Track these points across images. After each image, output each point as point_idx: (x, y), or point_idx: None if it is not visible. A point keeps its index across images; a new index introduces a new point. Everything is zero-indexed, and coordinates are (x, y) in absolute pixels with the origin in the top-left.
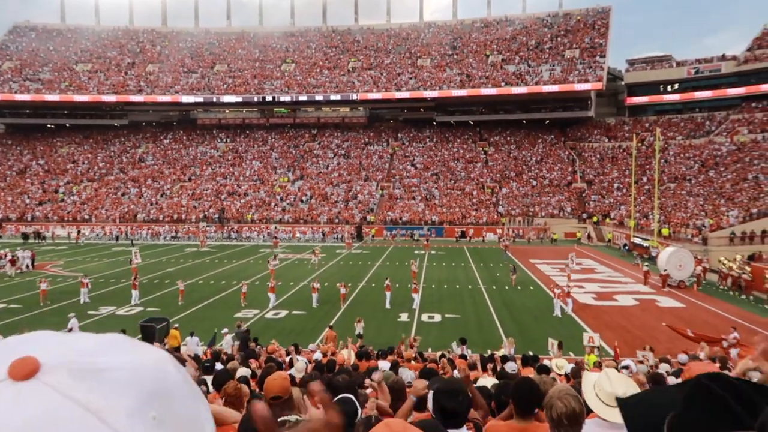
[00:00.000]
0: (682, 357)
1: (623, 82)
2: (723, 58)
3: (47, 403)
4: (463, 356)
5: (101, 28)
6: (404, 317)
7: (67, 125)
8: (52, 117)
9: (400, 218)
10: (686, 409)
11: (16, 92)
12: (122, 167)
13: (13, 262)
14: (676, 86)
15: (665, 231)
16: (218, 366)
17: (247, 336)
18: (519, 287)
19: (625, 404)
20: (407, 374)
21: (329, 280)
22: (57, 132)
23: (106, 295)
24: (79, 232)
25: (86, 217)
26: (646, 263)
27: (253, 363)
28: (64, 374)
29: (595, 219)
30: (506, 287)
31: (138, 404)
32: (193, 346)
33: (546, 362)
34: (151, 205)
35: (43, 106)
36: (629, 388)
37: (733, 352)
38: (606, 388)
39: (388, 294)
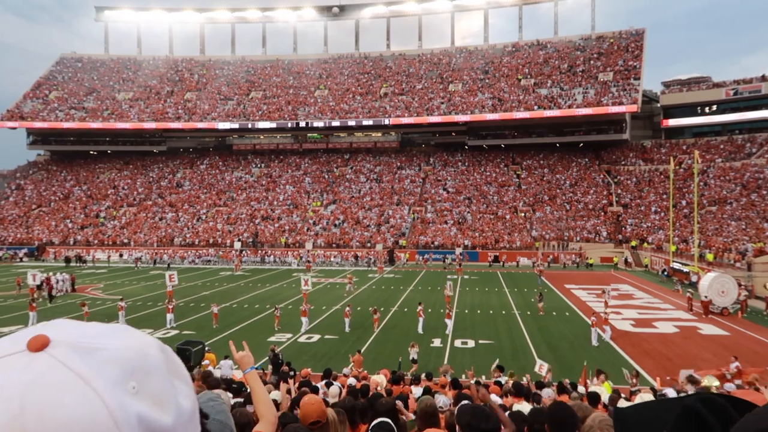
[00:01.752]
0: (729, 386)
1: (659, 104)
2: (763, 78)
3: (49, 369)
4: (498, 383)
5: (142, 58)
6: (437, 342)
7: (109, 152)
8: (95, 144)
9: (433, 242)
10: (676, 430)
11: (61, 120)
12: (160, 192)
13: (49, 285)
14: (714, 108)
15: (710, 256)
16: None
17: (278, 360)
18: (554, 313)
19: (621, 414)
20: (441, 400)
21: (361, 304)
22: (99, 158)
23: (143, 318)
24: (139, 258)
25: (125, 241)
26: (689, 289)
27: (283, 386)
28: (67, 349)
29: (633, 243)
30: (541, 313)
31: (120, 377)
32: (227, 369)
33: (581, 389)
34: (188, 229)
35: (86, 134)
36: None
37: (734, 384)
38: None
39: (420, 319)
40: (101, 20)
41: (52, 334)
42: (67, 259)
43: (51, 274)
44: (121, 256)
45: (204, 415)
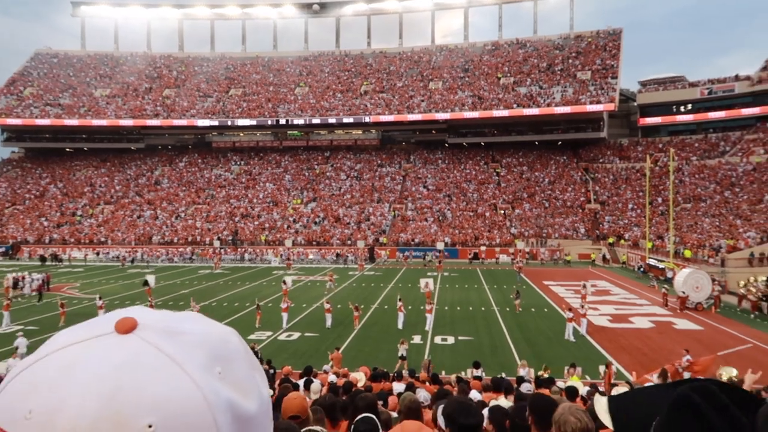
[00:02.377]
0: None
1: (636, 103)
2: (736, 78)
3: (141, 350)
4: (477, 377)
5: (120, 54)
6: (417, 339)
7: (85, 149)
8: (71, 141)
9: (413, 240)
10: (669, 419)
11: (36, 117)
12: (138, 190)
13: (40, 284)
14: (690, 107)
15: (687, 253)
16: None
17: (257, 357)
18: (533, 309)
19: (613, 401)
20: (422, 395)
21: (342, 301)
22: (75, 156)
23: None
24: (132, 261)
25: (102, 239)
26: (664, 285)
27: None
28: (156, 332)
29: (610, 240)
30: (520, 309)
31: (208, 361)
32: None
33: (560, 384)
34: (167, 227)
35: (62, 131)
36: None
37: (686, 375)
38: None
39: (401, 315)
40: (78, 15)
41: (138, 317)
42: (42, 258)
43: (26, 273)
44: (98, 254)
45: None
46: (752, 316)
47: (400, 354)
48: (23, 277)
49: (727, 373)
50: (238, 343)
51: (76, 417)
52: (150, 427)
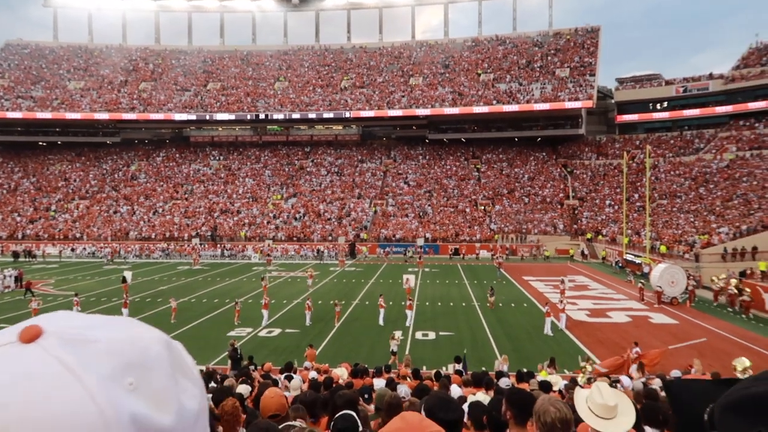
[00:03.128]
0: (675, 372)
1: (613, 101)
2: (711, 76)
3: (38, 362)
4: (458, 372)
5: (94, 46)
6: (398, 335)
7: (59, 143)
8: (44, 135)
9: (394, 235)
10: (736, 411)
11: (7, 110)
12: (114, 185)
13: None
14: (665, 104)
15: (663, 248)
16: (212, 385)
17: (236, 354)
18: (513, 304)
19: (671, 385)
20: (402, 390)
21: (323, 297)
22: (49, 150)
23: (98, 313)
24: (118, 254)
25: (78, 235)
26: (641, 280)
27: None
28: (61, 341)
29: (588, 236)
30: (500, 304)
31: (116, 371)
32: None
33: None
34: (144, 222)
35: (35, 124)
36: (621, 400)
37: (633, 367)
38: (597, 400)
39: (381, 311)
40: (50, 6)
41: (45, 324)
42: (15, 254)
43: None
44: (73, 250)
45: (215, 417)
46: (728, 310)
47: (391, 349)
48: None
49: (741, 364)
50: (161, 350)
51: None
52: None
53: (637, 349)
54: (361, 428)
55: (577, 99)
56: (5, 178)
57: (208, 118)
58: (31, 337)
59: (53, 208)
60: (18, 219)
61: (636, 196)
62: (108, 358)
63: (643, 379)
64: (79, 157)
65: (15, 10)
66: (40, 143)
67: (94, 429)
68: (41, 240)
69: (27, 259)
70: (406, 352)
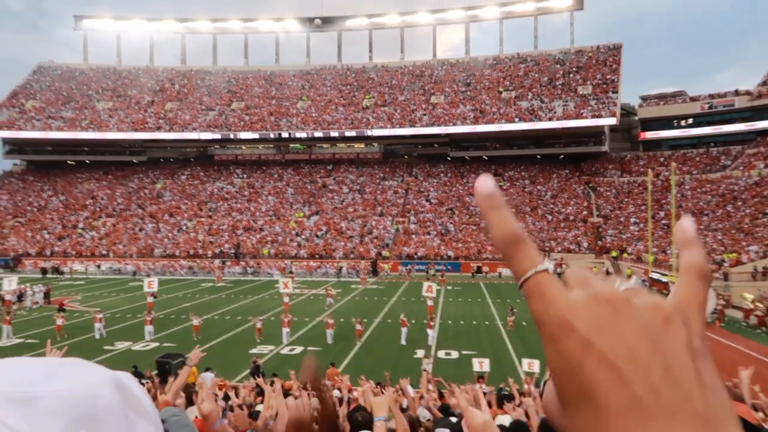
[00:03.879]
0: None
1: (636, 117)
2: (736, 93)
3: None
4: (481, 376)
5: (122, 68)
6: (420, 354)
7: (87, 162)
8: (73, 154)
9: (416, 253)
10: None
11: (39, 130)
12: (140, 203)
13: (20, 297)
14: (690, 121)
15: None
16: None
17: (258, 371)
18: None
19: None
20: (423, 413)
21: (344, 315)
22: (77, 168)
23: (123, 330)
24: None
25: (104, 252)
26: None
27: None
28: (5, 401)
29: (614, 254)
30: (524, 323)
31: (65, 429)
32: (209, 381)
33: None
34: (168, 240)
35: (64, 144)
36: None
37: None
38: None
39: (403, 330)
40: (80, 29)
41: None
42: (44, 271)
43: (27, 285)
44: (99, 267)
45: None
46: (758, 331)
47: (423, 368)
48: (26, 290)
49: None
50: (109, 395)
51: None
52: None
53: None
54: None
55: (599, 116)
56: (35, 196)
57: (232, 137)
58: None
59: (81, 225)
60: (47, 236)
61: (662, 213)
62: (56, 417)
63: None
64: (107, 176)
65: (48, 34)
66: (69, 162)
67: None
68: (69, 257)
69: (54, 276)
70: (428, 371)
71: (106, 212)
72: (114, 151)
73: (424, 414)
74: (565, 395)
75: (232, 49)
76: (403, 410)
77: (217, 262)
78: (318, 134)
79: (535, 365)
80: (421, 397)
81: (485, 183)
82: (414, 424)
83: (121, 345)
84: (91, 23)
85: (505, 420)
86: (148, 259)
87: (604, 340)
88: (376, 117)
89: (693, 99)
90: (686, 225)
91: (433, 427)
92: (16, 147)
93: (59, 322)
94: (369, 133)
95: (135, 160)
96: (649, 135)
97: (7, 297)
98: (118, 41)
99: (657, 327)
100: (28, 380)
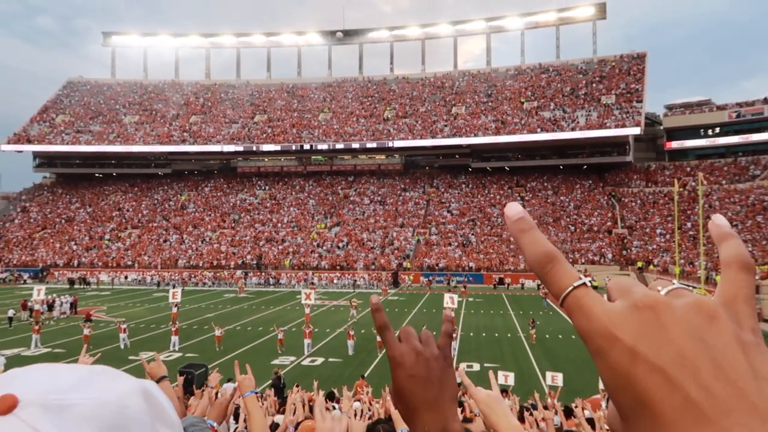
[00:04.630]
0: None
1: (662, 127)
2: (765, 101)
3: None
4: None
5: (149, 82)
6: (462, 366)
7: (114, 174)
8: (100, 167)
9: (437, 264)
10: None
11: (68, 143)
12: (165, 214)
13: (50, 306)
14: (717, 130)
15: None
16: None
17: (279, 382)
18: (560, 336)
19: None
20: None
21: (365, 327)
22: (104, 181)
23: (147, 340)
24: (158, 284)
25: (129, 263)
26: None
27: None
28: (38, 409)
29: (639, 265)
30: (546, 335)
31: None
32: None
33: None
34: (192, 251)
35: (91, 157)
36: None
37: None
38: None
39: None
40: (108, 45)
41: (20, 392)
42: (71, 281)
43: (55, 296)
44: (126, 278)
45: None
46: None
47: (458, 381)
48: (54, 300)
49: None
50: (138, 405)
51: None
52: None
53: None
54: None
55: (624, 126)
56: (63, 208)
57: (254, 149)
58: (6, 408)
59: (107, 237)
60: (74, 247)
61: (688, 224)
62: (89, 424)
63: None
64: (132, 188)
65: (77, 50)
66: (97, 175)
67: None
68: (95, 268)
69: (81, 286)
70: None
71: (131, 224)
72: (140, 164)
73: None
74: (622, 408)
75: (255, 63)
76: None
77: (239, 272)
78: (339, 146)
79: (559, 378)
80: None
81: (514, 209)
82: None
83: (145, 355)
84: (119, 39)
85: None
86: (172, 270)
87: (650, 345)
88: (397, 128)
89: (720, 108)
90: (719, 220)
91: None
92: (46, 160)
93: (86, 331)
94: (390, 144)
95: (160, 173)
96: (675, 144)
97: (36, 307)
98: (144, 56)
99: (701, 325)
100: (61, 388)
